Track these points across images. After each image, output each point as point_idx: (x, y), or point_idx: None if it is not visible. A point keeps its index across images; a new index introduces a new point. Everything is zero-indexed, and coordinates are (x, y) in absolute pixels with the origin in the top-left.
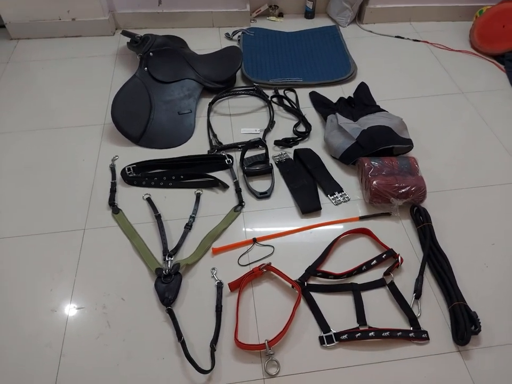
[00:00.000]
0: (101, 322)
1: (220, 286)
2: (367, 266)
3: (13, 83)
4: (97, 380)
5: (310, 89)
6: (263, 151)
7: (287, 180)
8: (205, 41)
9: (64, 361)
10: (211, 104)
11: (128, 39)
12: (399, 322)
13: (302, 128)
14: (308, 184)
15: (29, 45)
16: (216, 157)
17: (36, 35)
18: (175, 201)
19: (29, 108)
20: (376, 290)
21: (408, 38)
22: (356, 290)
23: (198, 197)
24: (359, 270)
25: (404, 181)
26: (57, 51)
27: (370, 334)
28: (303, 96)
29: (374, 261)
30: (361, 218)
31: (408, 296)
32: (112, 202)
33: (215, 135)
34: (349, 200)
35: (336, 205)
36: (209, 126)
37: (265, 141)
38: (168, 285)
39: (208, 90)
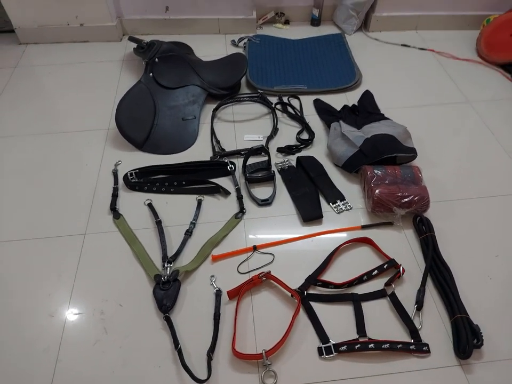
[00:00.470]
0: (98, 328)
1: (218, 293)
2: (368, 276)
3: (21, 87)
4: None
5: (315, 97)
6: (266, 158)
7: (289, 187)
8: (211, 48)
9: (59, 366)
10: (215, 110)
11: (135, 45)
12: (399, 334)
13: (305, 136)
14: (310, 192)
15: (37, 49)
16: (218, 163)
17: (44, 40)
18: (176, 207)
19: (35, 111)
20: (377, 301)
21: (414, 47)
22: (356, 301)
23: (199, 203)
24: (360, 280)
25: (407, 190)
26: (65, 56)
27: (370, 345)
28: (307, 103)
29: (375, 271)
30: (363, 227)
31: (410, 307)
32: (113, 207)
33: (218, 142)
34: (351, 208)
35: (338, 213)
36: (212, 132)
37: (268, 148)
38: (166, 291)
39: (212, 97)
